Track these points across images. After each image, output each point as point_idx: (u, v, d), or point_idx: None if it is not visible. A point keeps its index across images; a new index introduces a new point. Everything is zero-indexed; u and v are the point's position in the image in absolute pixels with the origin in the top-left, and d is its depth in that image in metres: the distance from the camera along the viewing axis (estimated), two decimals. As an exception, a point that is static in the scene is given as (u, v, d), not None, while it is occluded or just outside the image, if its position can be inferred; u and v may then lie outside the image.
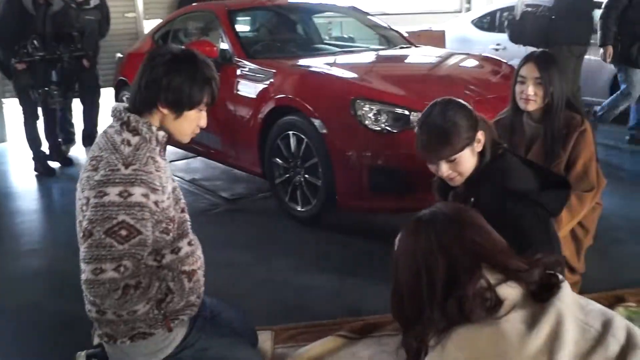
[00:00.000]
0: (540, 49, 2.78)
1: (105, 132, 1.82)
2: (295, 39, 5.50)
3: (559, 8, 5.00)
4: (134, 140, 1.76)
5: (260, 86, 4.06)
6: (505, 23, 5.48)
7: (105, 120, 6.03)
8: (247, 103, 4.14)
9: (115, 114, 1.81)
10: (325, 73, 4.05)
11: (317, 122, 3.56)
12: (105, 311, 1.75)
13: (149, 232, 1.68)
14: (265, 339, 2.39)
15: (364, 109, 3.43)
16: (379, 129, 3.40)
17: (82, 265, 1.66)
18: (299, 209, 3.85)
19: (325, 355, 2.34)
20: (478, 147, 2.07)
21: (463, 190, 2.12)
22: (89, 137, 5.95)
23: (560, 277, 1.36)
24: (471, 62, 4.61)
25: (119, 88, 5.91)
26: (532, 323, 1.23)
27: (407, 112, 3.42)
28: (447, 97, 2.15)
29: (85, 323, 2.15)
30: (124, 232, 1.63)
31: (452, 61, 4.63)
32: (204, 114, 1.87)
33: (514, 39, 5.30)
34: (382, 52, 5.01)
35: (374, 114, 3.42)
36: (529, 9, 5.22)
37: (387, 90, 3.69)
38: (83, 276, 1.65)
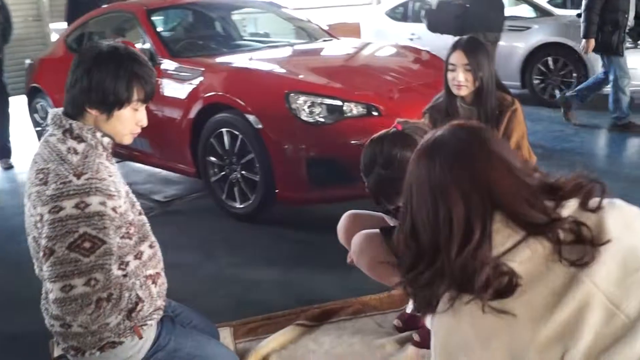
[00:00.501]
0: (467, 36, 2.89)
1: (46, 141, 1.71)
2: (217, 36, 5.45)
3: (473, -3, 5.19)
4: (80, 147, 1.67)
5: (188, 85, 4.00)
6: (422, 13, 5.62)
7: (16, 130, 5.80)
8: (175, 103, 4.06)
9: (55, 121, 1.70)
10: (257, 69, 4.05)
11: (251, 118, 3.55)
12: (70, 324, 1.68)
13: (112, 240, 1.62)
14: (225, 335, 2.39)
15: (299, 102, 3.47)
16: (314, 121, 3.45)
17: (48, 285, 1.58)
18: (237, 206, 3.84)
19: (287, 344, 2.38)
20: None
21: None
22: (2, 149, 5.67)
23: (604, 230, 1.10)
24: (393, 52, 4.74)
25: (32, 95, 5.67)
26: (550, 306, 1.03)
27: (340, 103, 3.49)
28: (387, 132, 2.05)
29: (37, 336, 2.08)
30: (87, 245, 1.56)
31: (375, 52, 4.74)
32: (141, 111, 1.76)
33: (432, 27, 5.45)
34: (306, 46, 5.05)
35: (309, 107, 3.46)
36: (445, -2, 5.39)
37: (319, 83, 3.74)
38: (51, 295, 1.57)
